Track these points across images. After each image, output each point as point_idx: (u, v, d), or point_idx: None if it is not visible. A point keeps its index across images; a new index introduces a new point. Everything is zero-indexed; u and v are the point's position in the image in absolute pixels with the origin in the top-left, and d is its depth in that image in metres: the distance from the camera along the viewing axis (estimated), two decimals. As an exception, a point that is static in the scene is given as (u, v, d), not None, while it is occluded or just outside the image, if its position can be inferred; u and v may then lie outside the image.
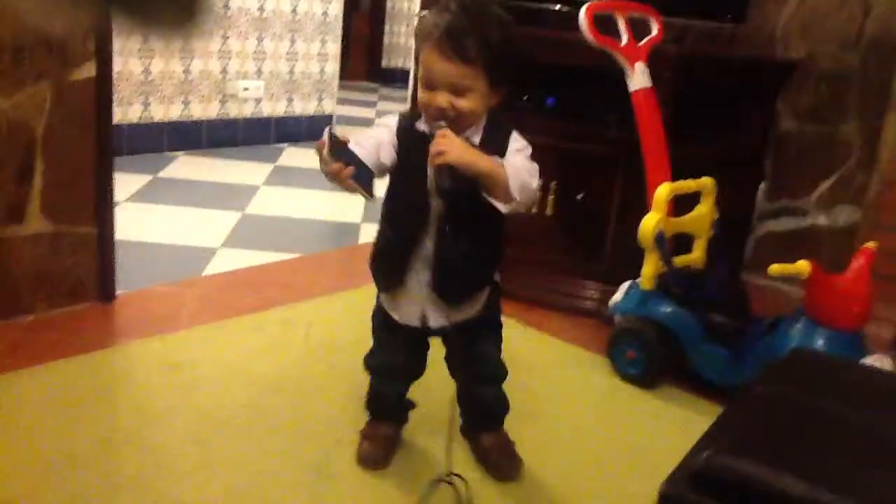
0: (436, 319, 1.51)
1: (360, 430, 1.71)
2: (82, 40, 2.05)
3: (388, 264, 1.52)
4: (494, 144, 1.43)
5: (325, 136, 1.34)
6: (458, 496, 1.55)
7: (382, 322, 1.61)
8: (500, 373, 1.65)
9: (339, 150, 1.35)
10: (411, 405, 1.74)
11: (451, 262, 1.45)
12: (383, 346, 1.63)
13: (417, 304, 1.51)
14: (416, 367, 1.66)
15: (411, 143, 1.44)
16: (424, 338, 1.62)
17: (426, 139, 1.39)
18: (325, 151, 1.32)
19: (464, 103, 1.38)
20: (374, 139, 1.46)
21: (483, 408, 1.68)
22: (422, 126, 1.46)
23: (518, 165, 1.42)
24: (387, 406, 1.70)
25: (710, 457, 0.93)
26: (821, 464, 0.93)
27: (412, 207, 1.46)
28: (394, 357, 1.62)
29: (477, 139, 1.44)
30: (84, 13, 0.71)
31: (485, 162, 1.36)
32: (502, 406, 1.69)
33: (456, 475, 1.56)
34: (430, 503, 1.54)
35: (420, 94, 1.41)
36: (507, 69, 1.40)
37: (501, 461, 1.66)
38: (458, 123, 1.39)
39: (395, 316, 1.55)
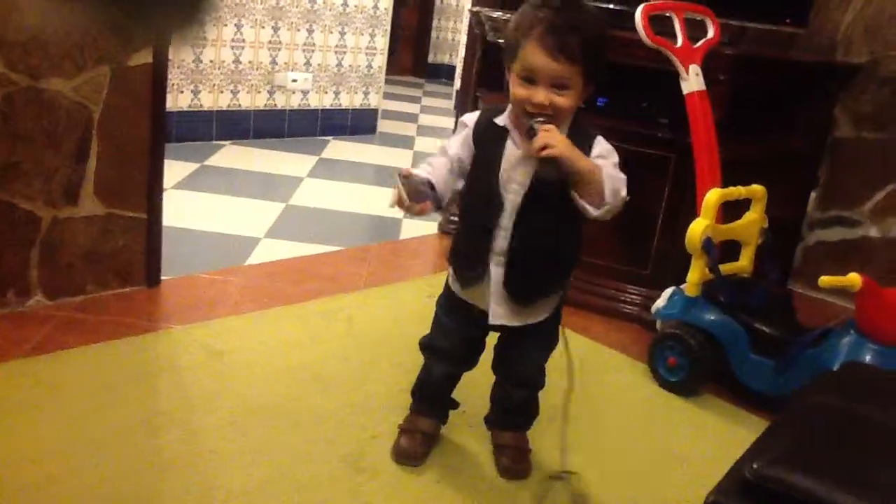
0: (497, 317, 1.51)
1: (398, 424, 1.71)
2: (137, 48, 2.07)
3: (465, 259, 1.53)
4: (578, 147, 1.41)
5: (400, 189, 1.38)
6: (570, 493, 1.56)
7: (446, 307, 1.63)
8: (538, 381, 1.66)
9: (415, 194, 1.39)
10: (455, 405, 1.75)
11: (524, 260, 1.46)
12: (441, 328, 1.64)
13: (485, 298, 1.52)
14: (468, 357, 1.66)
15: (489, 137, 1.46)
16: (482, 333, 1.62)
17: (504, 134, 1.44)
18: (406, 204, 1.38)
19: (562, 100, 1.38)
20: (447, 160, 1.48)
21: (512, 409, 1.69)
22: (501, 121, 1.46)
23: (611, 172, 1.42)
24: (432, 392, 1.71)
25: (760, 467, 0.91)
26: (872, 478, 0.91)
27: (485, 201, 1.46)
28: (450, 341, 1.63)
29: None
30: (90, 16, 0.71)
31: (586, 161, 1.39)
32: (531, 411, 1.70)
33: (570, 472, 1.58)
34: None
35: (516, 88, 1.40)
36: (600, 67, 1.41)
37: (511, 464, 1.66)
38: (555, 121, 1.39)
39: (480, 305, 1.54)
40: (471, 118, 1.51)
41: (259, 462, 1.59)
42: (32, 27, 1.86)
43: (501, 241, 1.46)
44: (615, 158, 1.46)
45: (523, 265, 1.47)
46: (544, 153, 1.34)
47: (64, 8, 0.67)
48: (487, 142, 1.46)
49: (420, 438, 1.68)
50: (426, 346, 1.68)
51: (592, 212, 1.40)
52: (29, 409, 1.66)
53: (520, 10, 1.43)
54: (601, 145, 1.46)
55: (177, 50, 3.63)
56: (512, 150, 1.45)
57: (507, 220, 1.45)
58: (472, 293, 1.55)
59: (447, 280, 1.63)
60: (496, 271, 1.48)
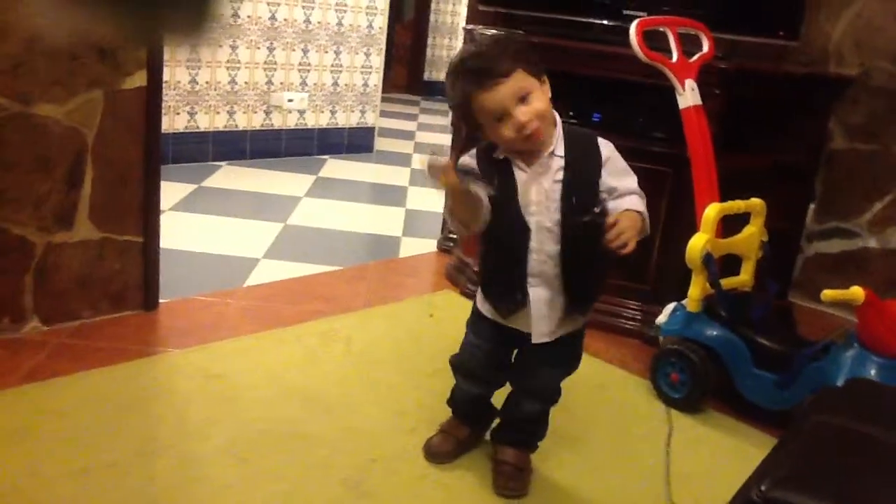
0: (540, 336, 1.55)
1: (440, 424, 1.76)
2: (134, 50, 2.07)
3: (502, 290, 1.56)
4: (582, 154, 1.51)
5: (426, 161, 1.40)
6: None
7: (475, 328, 1.66)
8: (552, 396, 1.67)
9: (462, 174, 1.45)
10: (496, 413, 1.75)
11: (577, 272, 1.51)
12: (471, 351, 1.67)
13: (526, 320, 1.55)
14: (497, 376, 1.70)
15: (494, 170, 1.50)
16: (511, 352, 1.65)
17: (508, 164, 1.50)
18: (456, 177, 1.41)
19: (536, 104, 1.45)
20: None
21: (520, 422, 1.69)
22: (499, 154, 1.51)
23: (634, 188, 1.51)
24: (465, 408, 1.75)
25: (767, 489, 0.89)
26: (878, 499, 0.89)
27: (513, 229, 1.50)
28: (478, 362, 1.66)
29: (561, 150, 1.50)
30: (97, 17, 0.70)
31: (640, 224, 1.47)
32: (540, 428, 1.69)
33: None
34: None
35: (501, 132, 1.46)
36: (537, 61, 1.48)
37: (505, 482, 1.65)
38: (541, 130, 1.46)
39: (519, 327, 1.58)
40: (471, 162, 1.54)
41: (257, 488, 1.57)
42: (38, 30, 1.86)
43: (535, 264, 1.51)
44: (619, 157, 1.54)
45: (577, 279, 1.52)
46: (625, 251, 1.42)
47: (72, 8, 0.66)
48: (497, 175, 1.50)
49: (453, 441, 1.73)
50: (455, 365, 1.72)
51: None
52: (22, 438, 1.64)
53: (447, 87, 1.52)
54: (605, 147, 1.53)
55: (191, 50, 3.65)
56: (520, 176, 1.50)
57: (535, 243, 1.49)
58: (516, 319, 1.57)
59: (475, 302, 1.66)
60: (536, 293, 1.52)
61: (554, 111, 1.51)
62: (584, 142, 1.52)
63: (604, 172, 1.50)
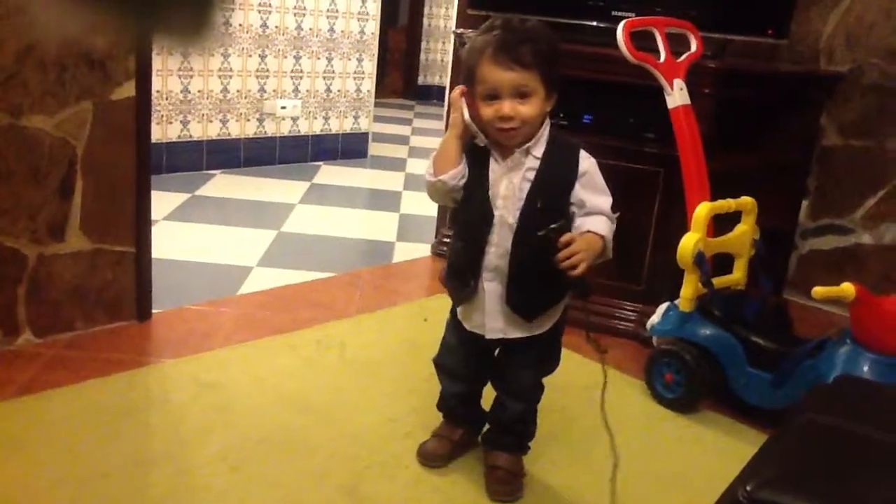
0: (493, 332, 1.56)
1: (433, 430, 1.76)
2: (123, 59, 2.07)
3: (458, 275, 1.57)
4: (560, 160, 1.50)
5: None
6: None
7: (451, 326, 1.68)
8: (533, 395, 1.66)
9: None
10: (485, 416, 1.76)
11: (523, 274, 1.50)
12: (448, 347, 1.70)
13: (481, 314, 1.56)
14: (477, 374, 1.71)
15: (474, 158, 1.52)
16: (488, 350, 1.65)
17: (486, 153, 1.50)
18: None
19: (526, 108, 1.44)
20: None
21: (507, 424, 1.69)
22: (481, 142, 1.51)
23: (603, 221, 1.49)
24: (454, 408, 1.75)
25: (752, 490, 0.89)
26: (865, 498, 0.89)
27: (477, 218, 1.51)
28: (455, 360, 1.68)
29: (539, 151, 1.49)
30: (103, 20, 0.70)
31: (599, 248, 1.47)
32: (527, 427, 1.69)
33: None
34: None
35: (483, 110, 1.47)
36: (557, 76, 1.48)
37: (498, 486, 1.65)
38: (521, 131, 1.46)
39: (467, 325, 1.60)
40: None
41: (252, 497, 1.56)
42: (29, 40, 1.86)
43: (493, 257, 1.51)
44: (598, 173, 1.53)
45: (522, 281, 1.51)
46: (574, 273, 1.41)
47: (67, 13, 0.66)
48: (474, 163, 1.52)
49: (447, 443, 1.73)
50: (437, 364, 1.73)
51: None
52: (16, 449, 1.63)
53: (471, 40, 1.50)
54: (585, 161, 1.52)
55: (184, 56, 3.64)
56: (494, 167, 1.51)
57: (496, 236, 1.50)
58: (467, 311, 1.59)
59: (453, 306, 1.67)
60: (490, 287, 1.53)
61: (546, 125, 1.51)
62: (565, 150, 1.52)
63: (577, 185, 1.49)
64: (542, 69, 1.44)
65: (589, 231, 1.46)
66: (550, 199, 1.48)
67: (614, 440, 1.55)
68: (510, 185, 1.49)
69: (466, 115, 1.48)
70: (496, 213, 1.49)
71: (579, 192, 1.49)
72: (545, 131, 1.51)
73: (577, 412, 2.00)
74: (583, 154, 1.52)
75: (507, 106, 1.43)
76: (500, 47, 1.42)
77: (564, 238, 1.42)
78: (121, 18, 0.69)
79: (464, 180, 1.52)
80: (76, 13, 0.67)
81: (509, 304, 1.53)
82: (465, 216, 1.55)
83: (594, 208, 1.49)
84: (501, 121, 1.44)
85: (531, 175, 1.49)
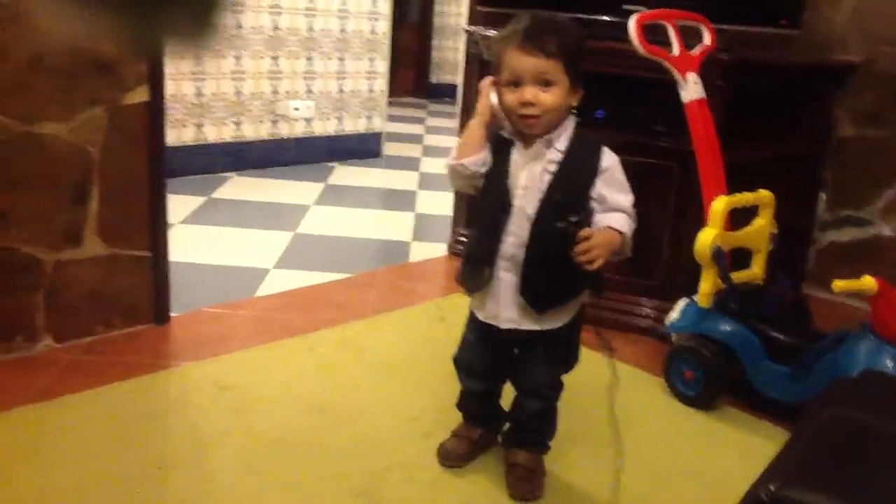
0: (507, 321, 1.56)
1: (452, 430, 1.76)
2: (135, 64, 2.08)
3: (474, 263, 1.57)
4: (582, 157, 1.51)
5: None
6: None
7: (470, 323, 1.67)
8: (551, 393, 1.66)
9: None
10: (505, 415, 1.75)
11: (539, 265, 1.51)
12: (466, 344, 1.69)
13: (495, 303, 1.56)
14: (495, 371, 1.70)
15: (498, 148, 1.53)
16: (506, 347, 1.65)
17: (510, 144, 1.52)
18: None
19: (548, 97, 1.46)
20: None
21: (526, 422, 1.69)
22: (506, 133, 1.53)
23: (623, 218, 1.49)
24: (473, 408, 1.75)
25: (777, 489, 0.88)
26: (891, 496, 0.87)
27: (496, 206, 1.52)
28: (474, 357, 1.67)
29: (562, 145, 1.50)
30: (107, 25, 0.70)
31: (618, 244, 1.47)
32: (546, 426, 1.69)
33: None
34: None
35: (506, 96, 1.49)
36: (581, 69, 1.49)
37: (518, 484, 1.64)
38: (541, 120, 1.47)
39: (480, 315, 1.60)
40: None
41: (271, 500, 1.57)
42: (39, 47, 1.87)
43: (509, 246, 1.52)
44: (620, 171, 1.53)
45: (537, 272, 1.51)
46: (591, 268, 1.43)
47: (75, 18, 0.66)
48: (497, 152, 1.54)
49: (466, 443, 1.73)
50: (456, 362, 1.73)
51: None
52: (37, 455, 1.64)
53: (498, 31, 1.54)
54: (607, 157, 1.53)
55: (193, 55, 3.65)
56: (516, 157, 1.52)
57: (513, 226, 1.51)
58: (480, 300, 1.59)
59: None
60: (505, 276, 1.53)
61: (571, 120, 1.52)
62: (588, 146, 1.53)
63: (599, 181, 1.50)
64: (566, 60, 1.45)
65: (608, 227, 1.47)
66: (570, 193, 1.49)
67: (620, 441, 1.55)
68: (531, 176, 1.50)
69: (495, 101, 1.50)
70: (515, 202, 1.50)
71: (600, 188, 1.49)
72: (569, 125, 1.52)
73: (601, 412, 1.98)
74: (606, 151, 1.53)
75: (528, 92, 1.45)
76: (527, 35, 1.45)
77: (584, 232, 1.42)
78: (126, 23, 0.69)
79: (485, 167, 1.53)
80: (82, 19, 0.67)
81: (523, 294, 1.53)
82: (485, 204, 1.56)
83: (615, 205, 1.49)
84: (523, 107, 1.46)
85: (552, 168, 1.49)
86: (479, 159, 1.52)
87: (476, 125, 1.52)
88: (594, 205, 1.50)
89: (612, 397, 1.57)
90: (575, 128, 1.53)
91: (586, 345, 1.66)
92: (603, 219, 1.48)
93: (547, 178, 1.49)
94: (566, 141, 1.51)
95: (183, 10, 0.69)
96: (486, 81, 1.52)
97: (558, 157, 1.50)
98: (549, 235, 1.46)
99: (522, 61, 1.45)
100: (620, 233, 1.47)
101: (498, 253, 1.52)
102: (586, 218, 1.47)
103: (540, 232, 1.48)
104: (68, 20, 0.68)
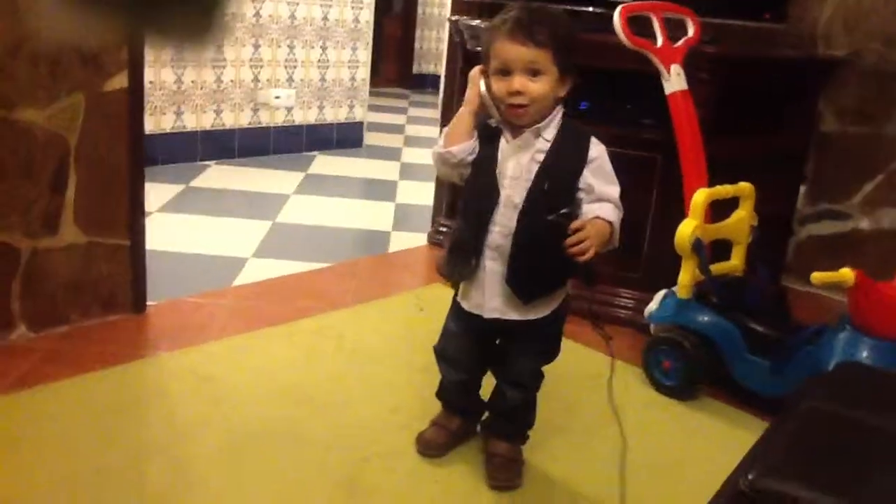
0: (492, 311, 1.56)
1: (431, 419, 1.76)
2: (115, 51, 2.05)
3: (460, 252, 1.56)
4: (570, 146, 1.51)
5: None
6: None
7: (453, 313, 1.66)
8: (532, 383, 1.66)
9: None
10: (485, 406, 1.75)
11: (525, 255, 1.50)
12: (448, 334, 1.68)
13: (480, 292, 1.56)
14: (478, 362, 1.70)
15: (485, 137, 1.52)
16: (489, 338, 1.65)
17: (498, 132, 1.52)
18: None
19: (537, 86, 1.45)
20: None
21: (506, 412, 1.69)
22: (493, 122, 1.53)
23: (611, 208, 1.49)
24: (453, 397, 1.75)
25: (754, 479, 0.88)
26: (867, 485, 0.88)
27: (484, 195, 1.52)
28: (456, 347, 1.67)
29: (550, 135, 1.50)
30: (105, 22, 0.69)
31: (608, 235, 1.48)
32: (525, 416, 1.69)
33: None
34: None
35: (495, 84, 1.48)
36: (571, 60, 1.48)
37: (497, 473, 1.65)
38: (529, 109, 1.47)
39: (465, 305, 1.60)
40: None
41: (250, 490, 1.56)
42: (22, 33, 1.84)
43: (496, 236, 1.51)
44: (608, 161, 1.53)
45: (524, 262, 1.51)
46: (582, 259, 1.42)
47: (67, 9, 0.65)
48: (485, 141, 1.53)
49: (445, 433, 1.73)
50: (438, 352, 1.72)
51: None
52: (13, 445, 1.62)
53: (488, 22, 1.54)
54: (595, 147, 1.53)
55: (197, 54, 3.62)
56: (504, 147, 1.52)
57: (500, 216, 1.50)
58: (466, 289, 1.59)
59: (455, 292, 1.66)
60: (491, 266, 1.53)
61: (559, 109, 1.52)
62: (576, 136, 1.52)
63: (587, 171, 1.50)
64: (555, 50, 1.45)
65: (597, 217, 1.47)
66: (558, 183, 1.49)
67: (623, 428, 1.55)
68: (518, 166, 1.50)
69: (483, 89, 1.49)
70: (503, 192, 1.50)
71: (588, 177, 1.49)
72: (557, 115, 1.52)
73: (580, 402, 1.99)
74: (594, 141, 1.53)
75: (517, 81, 1.45)
76: (516, 24, 1.45)
77: (575, 224, 1.43)
78: (121, 19, 0.68)
79: (472, 156, 1.52)
80: (73, 12, 0.66)
81: (509, 284, 1.53)
82: (472, 194, 1.55)
83: (603, 195, 1.49)
84: (511, 96, 1.46)
85: (540, 157, 1.49)
86: (468, 147, 1.51)
87: (465, 113, 1.52)
88: (581, 195, 1.50)
89: (611, 388, 1.57)
90: (563, 117, 1.53)
91: (571, 336, 1.66)
92: (591, 209, 1.48)
93: (535, 167, 1.49)
94: (554, 130, 1.51)
95: (183, 7, 0.68)
96: (476, 70, 1.51)
97: (546, 146, 1.49)
98: (536, 226, 1.47)
99: (511, 50, 1.45)
100: (610, 223, 1.47)
101: (485, 242, 1.52)
102: (575, 209, 1.48)
103: (527, 222, 1.48)
104: (58, 12, 0.67)
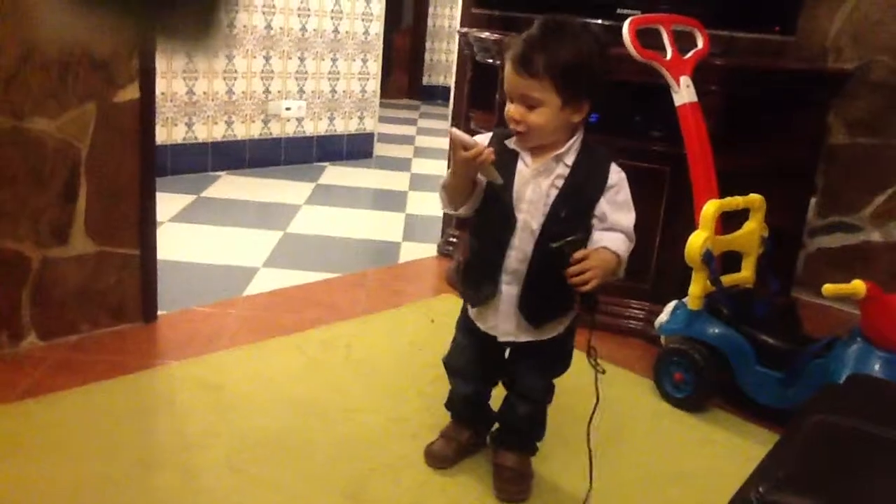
0: (506, 334, 1.55)
1: (441, 431, 1.75)
2: (127, 61, 2.06)
3: (478, 275, 1.56)
4: (589, 172, 1.47)
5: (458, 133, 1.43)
6: None
7: (462, 325, 1.66)
8: (543, 396, 1.65)
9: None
10: (495, 417, 1.74)
11: (540, 280, 1.48)
12: (457, 347, 1.68)
13: (495, 315, 1.55)
14: (487, 375, 1.69)
15: (502, 160, 1.47)
16: (499, 351, 1.64)
17: (515, 156, 1.48)
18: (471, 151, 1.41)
19: (533, 117, 1.43)
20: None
21: (516, 424, 1.68)
22: (511, 144, 1.50)
23: (621, 238, 1.46)
24: (462, 409, 1.74)
25: (765, 491, 0.87)
26: (881, 499, 0.87)
27: (500, 220, 1.49)
28: (465, 360, 1.66)
29: (570, 159, 1.47)
30: (112, 27, 0.69)
31: (613, 266, 1.44)
32: (535, 429, 1.68)
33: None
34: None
35: (505, 107, 1.47)
36: (582, 86, 1.43)
37: (504, 486, 1.64)
38: (530, 136, 1.45)
39: (481, 326, 1.59)
40: (483, 139, 1.52)
41: (256, 500, 1.55)
42: (32, 42, 1.85)
43: (512, 261, 1.50)
44: (626, 189, 1.50)
45: (537, 286, 1.50)
46: (584, 290, 1.40)
47: (75, 15, 0.66)
48: (501, 164, 1.47)
49: (454, 444, 1.72)
50: (447, 364, 1.71)
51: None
52: (21, 453, 1.63)
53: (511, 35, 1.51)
54: (615, 174, 1.49)
55: (199, 56, 3.65)
56: (522, 171, 1.49)
57: (517, 240, 1.48)
58: (482, 312, 1.58)
59: (464, 305, 1.66)
60: (507, 290, 1.52)
61: (578, 133, 1.48)
62: (596, 160, 1.49)
63: (603, 198, 1.47)
64: (556, 79, 1.40)
65: (605, 247, 1.44)
66: (575, 209, 1.46)
67: (592, 463, 1.53)
68: (537, 190, 1.47)
69: (458, 133, 1.42)
70: (519, 217, 1.47)
71: (603, 205, 1.47)
72: (577, 141, 1.48)
73: (587, 415, 1.98)
74: (613, 168, 1.49)
75: (513, 109, 1.44)
76: (518, 52, 1.42)
77: (578, 254, 1.40)
78: (127, 22, 0.68)
79: (478, 202, 1.51)
80: (81, 16, 0.66)
81: (520, 309, 1.52)
82: (487, 216, 1.52)
83: (615, 224, 1.46)
84: (511, 122, 1.45)
85: (560, 183, 1.46)
86: (473, 204, 1.51)
87: (453, 176, 1.47)
88: (594, 221, 1.47)
89: (591, 419, 1.55)
90: (584, 139, 1.49)
91: (581, 349, 1.65)
92: (600, 238, 1.45)
93: (554, 193, 1.46)
94: (574, 155, 1.47)
95: (184, 9, 0.69)
96: (454, 131, 1.45)
97: (566, 171, 1.47)
98: (549, 252, 1.44)
99: (510, 79, 1.44)
100: (617, 255, 1.44)
101: (503, 267, 1.51)
102: (585, 237, 1.44)
103: (544, 247, 1.46)
104: (66, 16, 0.68)
